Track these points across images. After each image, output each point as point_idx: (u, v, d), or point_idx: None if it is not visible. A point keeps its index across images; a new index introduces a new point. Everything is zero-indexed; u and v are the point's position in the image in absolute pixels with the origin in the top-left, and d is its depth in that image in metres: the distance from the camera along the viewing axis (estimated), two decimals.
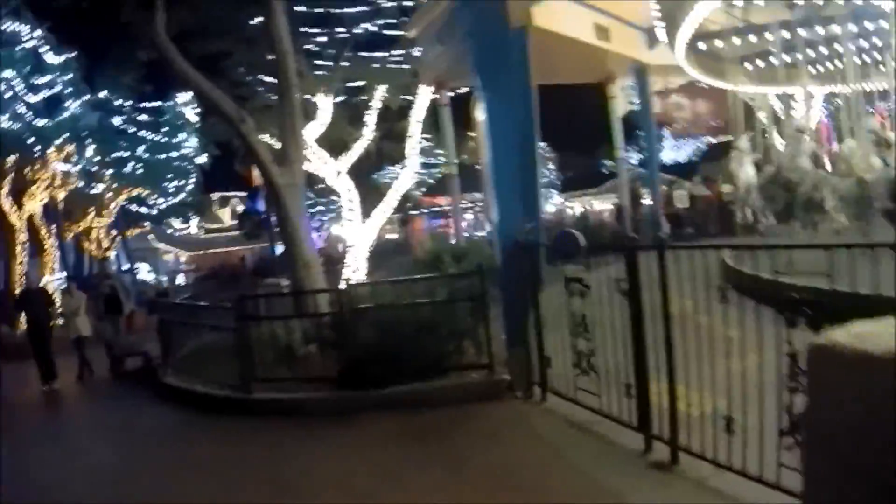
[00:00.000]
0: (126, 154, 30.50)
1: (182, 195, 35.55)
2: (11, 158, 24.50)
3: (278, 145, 14.65)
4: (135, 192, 32.78)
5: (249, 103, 18.06)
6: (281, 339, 11.27)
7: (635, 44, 21.36)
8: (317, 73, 18.85)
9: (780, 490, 4.97)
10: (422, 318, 9.91)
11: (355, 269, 18.47)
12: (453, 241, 18.03)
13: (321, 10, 18.89)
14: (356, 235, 19.00)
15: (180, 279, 48.48)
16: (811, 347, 2.26)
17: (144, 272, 46.67)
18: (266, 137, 16.40)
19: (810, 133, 14.43)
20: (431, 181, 44.74)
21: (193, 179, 35.39)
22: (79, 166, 27.71)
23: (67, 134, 25.36)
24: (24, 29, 23.54)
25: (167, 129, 32.29)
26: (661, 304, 6.10)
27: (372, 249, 19.37)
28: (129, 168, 30.85)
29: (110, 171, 30.25)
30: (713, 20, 17.37)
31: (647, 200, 28.75)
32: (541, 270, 8.76)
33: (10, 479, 8.66)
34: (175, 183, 34.36)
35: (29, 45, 23.82)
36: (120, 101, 29.63)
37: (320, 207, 41.35)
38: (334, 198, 28.85)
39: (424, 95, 20.24)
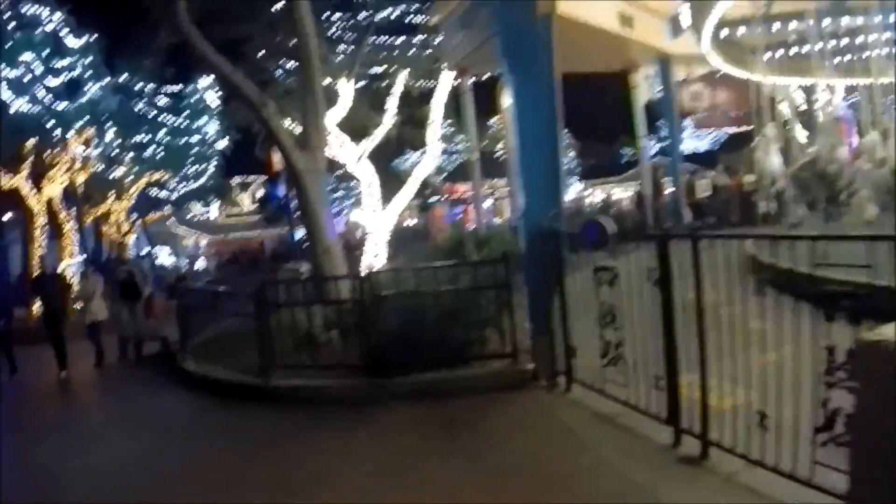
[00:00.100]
0: (146, 138, 30.58)
1: (202, 180, 35.68)
2: (31, 142, 24.56)
3: (299, 130, 14.57)
4: (155, 177, 32.84)
5: (270, 88, 18.01)
6: (301, 326, 11.19)
7: (658, 33, 21.16)
8: (338, 58, 18.77)
9: (812, 487, 4.86)
10: (445, 306, 9.81)
11: (375, 255, 18.39)
12: (474, 228, 17.92)
13: None
14: (375, 222, 18.92)
15: (200, 263, 48.70)
16: (858, 343, 2.16)
17: (164, 256, 46.82)
18: (287, 122, 16.33)
19: (846, 124, 14.24)
20: (451, 168, 44.72)
21: (214, 164, 35.46)
22: (99, 150, 27.74)
23: (87, 117, 25.37)
24: (44, 11, 23.46)
25: (188, 113, 32.31)
26: (695, 294, 5.97)
27: (390, 236, 19.29)
28: (149, 152, 30.96)
29: (130, 155, 30.35)
30: (739, 6, 17.14)
31: (668, 189, 28.55)
32: (565, 258, 8.65)
33: (22, 469, 8.69)
34: (195, 167, 34.46)
35: (49, 27, 23.72)
36: (141, 85, 29.61)
37: (340, 193, 41.39)
38: (354, 183, 28.83)
39: (446, 81, 20.12)
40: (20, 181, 24.78)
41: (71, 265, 25.38)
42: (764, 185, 17.90)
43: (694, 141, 57.00)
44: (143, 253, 39.47)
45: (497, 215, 45.97)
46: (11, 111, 22.59)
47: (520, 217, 9.78)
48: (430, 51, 20.33)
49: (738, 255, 6.39)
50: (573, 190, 52.10)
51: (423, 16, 19.97)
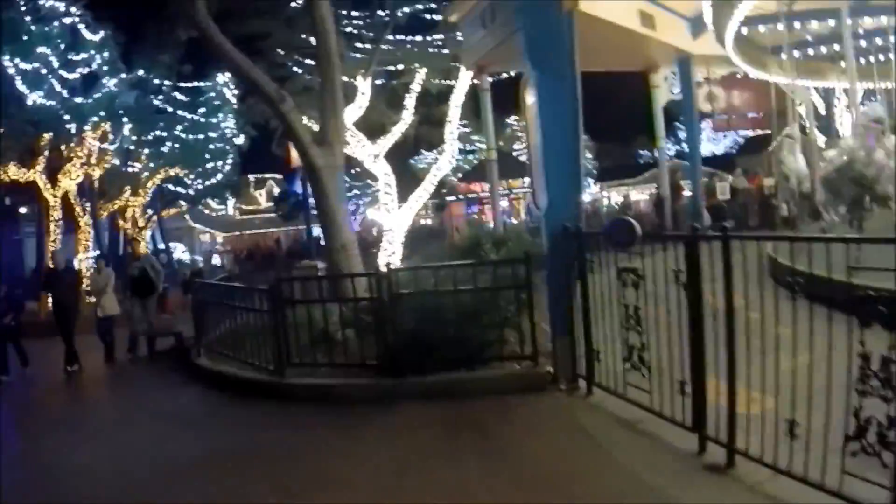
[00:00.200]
0: (163, 133, 30.58)
1: (219, 176, 35.62)
2: (47, 136, 24.57)
3: (316, 127, 14.49)
4: (171, 172, 32.83)
5: (288, 84, 17.94)
6: (317, 323, 11.10)
7: (680, 32, 20.98)
8: (356, 55, 18.69)
9: (841, 498, 4.73)
10: (463, 306, 9.70)
11: (391, 254, 18.28)
12: (492, 227, 17.82)
13: None
14: (392, 220, 18.80)
15: (216, 259, 48.81)
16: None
17: (180, 252, 46.91)
18: (304, 119, 16.25)
19: (889, 126, 13.95)
20: (467, 167, 44.62)
21: (230, 160, 35.44)
22: (115, 145, 27.75)
23: (103, 112, 25.35)
24: (60, 5, 23.43)
25: (205, 109, 32.35)
26: (725, 297, 5.82)
27: (407, 235, 19.16)
28: (166, 148, 31.00)
29: (147, 150, 30.37)
30: (761, 7, 16.94)
31: (686, 192, 28.37)
32: (588, 259, 8.51)
33: (31, 465, 8.63)
34: (212, 164, 34.43)
35: (66, 21, 23.70)
36: (158, 80, 29.57)
37: (356, 191, 41.33)
38: (370, 181, 28.71)
39: (465, 80, 19.98)
40: (36, 175, 24.78)
41: (85, 259, 25.37)
42: (788, 187, 17.64)
43: (710, 144, 56.60)
44: (161, 247, 39.60)
45: (514, 215, 45.89)
46: (28, 104, 22.58)
47: (542, 216, 9.64)
48: (448, 49, 20.20)
49: (758, 257, 6.27)
50: (588, 192, 51.87)
51: (442, 14, 19.85)
